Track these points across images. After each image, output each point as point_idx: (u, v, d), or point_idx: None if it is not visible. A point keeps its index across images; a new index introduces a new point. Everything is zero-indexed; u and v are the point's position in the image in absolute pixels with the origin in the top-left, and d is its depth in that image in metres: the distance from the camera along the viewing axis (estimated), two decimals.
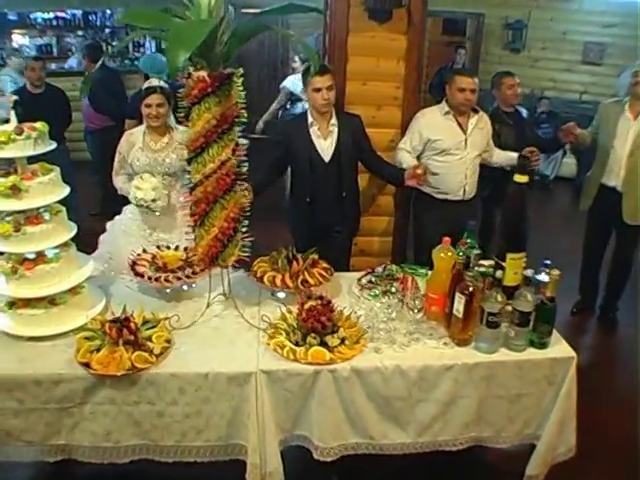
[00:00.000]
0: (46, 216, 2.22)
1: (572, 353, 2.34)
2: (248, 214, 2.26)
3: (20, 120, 2.14)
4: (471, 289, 2.23)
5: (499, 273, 2.28)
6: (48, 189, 2.18)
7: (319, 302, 2.29)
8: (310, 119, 3.14)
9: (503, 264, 2.34)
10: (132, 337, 2.05)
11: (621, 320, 4.23)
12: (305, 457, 2.26)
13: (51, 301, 2.22)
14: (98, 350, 2.06)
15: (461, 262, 2.31)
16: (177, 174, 3.08)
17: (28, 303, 2.22)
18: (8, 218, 2.18)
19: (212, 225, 2.17)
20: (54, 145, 2.24)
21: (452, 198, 3.47)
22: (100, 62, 5.17)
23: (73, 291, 2.28)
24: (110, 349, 2.03)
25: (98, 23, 7.85)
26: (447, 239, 2.41)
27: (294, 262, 2.57)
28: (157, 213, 2.99)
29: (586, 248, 4.19)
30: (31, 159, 2.20)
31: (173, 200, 3.09)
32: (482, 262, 2.41)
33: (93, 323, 2.18)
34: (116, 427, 2.11)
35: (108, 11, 7.77)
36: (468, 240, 2.52)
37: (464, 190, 3.47)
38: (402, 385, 2.21)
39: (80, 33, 7.81)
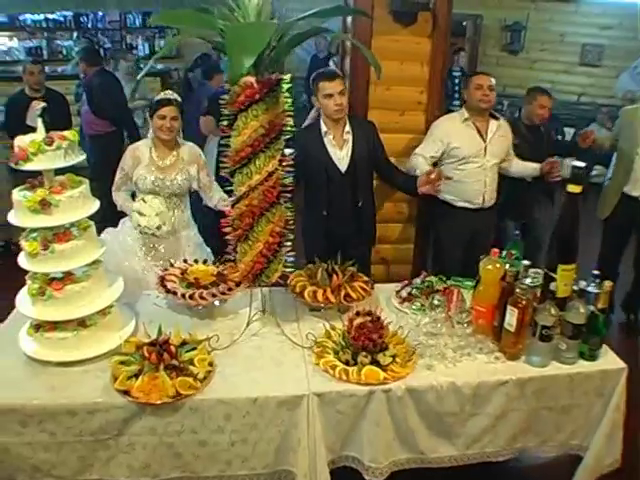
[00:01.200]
0: (75, 232, 2.06)
1: (622, 364, 2.28)
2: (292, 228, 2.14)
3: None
4: (524, 302, 2.14)
5: (553, 285, 2.18)
6: (79, 203, 2.03)
7: (368, 318, 2.18)
8: (324, 128, 3.02)
9: (554, 275, 2.26)
10: (175, 362, 1.92)
11: None
12: (351, 477, 2.15)
13: (81, 323, 2.07)
14: (136, 376, 1.92)
15: (512, 274, 2.22)
16: (183, 194, 2.93)
17: (56, 326, 2.06)
18: (35, 234, 2.03)
19: (257, 240, 2.04)
20: (84, 156, 2.09)
21: (471, 206, 3.39)
22: (99, 66, 5.03)
23: (103, 312, 2.13)
24: (151, 375, 1.89)
25: (90, 25, 7.63)
26: (495, 250, 2.32)
27: (334, 276, 2.46)
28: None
29: (602, 257, 4.07)
30: (58, 170, 2.05)
31: (177, 220, 2.91)
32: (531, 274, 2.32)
33: (127, 346, 2.04)
34: (156, 459, 1.96)
35: (100, 12, 7.56)
36: (513, 251, 2.43)
37: (483, 198, 3.38)
38: (455, 401, 2.12)
39: (72, 35, 7.58)
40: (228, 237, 2.11)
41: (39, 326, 2.09)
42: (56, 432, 1.90)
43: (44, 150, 1.93)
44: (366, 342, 2.08)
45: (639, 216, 3.81)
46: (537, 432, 2.27)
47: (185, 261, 2.59)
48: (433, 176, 2.93)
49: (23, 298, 2.13)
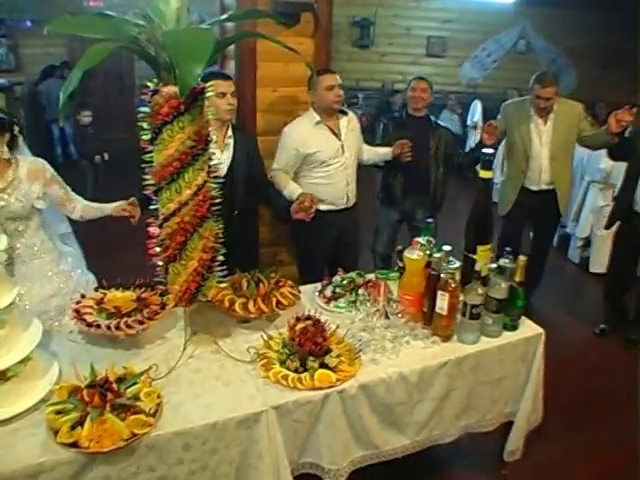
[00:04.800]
0: None
1: (540, 330, 2.48)
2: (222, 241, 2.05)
3: None
4: (453, 286, 2.25)
5: (478, 266, 2.31)
6: None
7: (309, 322, 2.17)
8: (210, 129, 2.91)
9: (473, 257, 2.40)
10: (121, 400, 1.76)
11: None
12: None
13: (1, 376, 1.83)
14: (79, 424, 1.73)
15: (437, 261, 2.32)
16: (26, 217, 2.54)
17: None
18: None
19: (190, 258, 1.93)
20: None
21: (336, 208, 3.40)
22: None
23: (23, 360, 1.89)
24: (98, 419, 1.71)
25: None
26: (416, 240, 2.41)
27: (260, 284, 2.40)
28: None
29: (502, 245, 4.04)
30: None
31: (25, 248, 2.56)
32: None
33: (59, 393, 1.84)
34: None
35: None
36: (429, 238, 2.54)
37: (347, 197, 3.43)
38: (404, 390, 2.18)
39: None
40: (156, 259, 1.98)
41: None
42: None
43: None
44: (312, 347, 2.07)
45: (536, 208, 4.03)
46: (477, 408, 2.41)
47: (96, 289, 2.39)
48: (307, 204, 2.90)
49: None
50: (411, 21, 8.14)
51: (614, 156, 3.98)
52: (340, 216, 3.43)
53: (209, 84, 1.82)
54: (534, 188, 4.02)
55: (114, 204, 2.70)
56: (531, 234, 4.46)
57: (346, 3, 8.19)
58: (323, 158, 3.27)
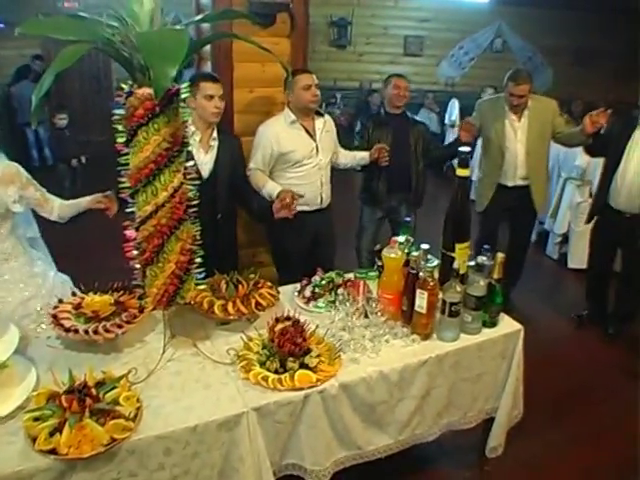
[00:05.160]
0: None
1: (519, 326, 2.51)
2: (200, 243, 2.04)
3: None
4: (432, 284, 2.26)
5: (456, 264, 2.33)
6: None
7: (288, 323, 2.17)
8: (192, 128, 2.87)
9: (452, 254, 2.41)
10: (101, 405, 1.75)
11: None
12: None
13: None
14: (58, 430, 1.71)
15: (415, 260, 2.33)
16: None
17: None
18: None
19: (168, 260, 1.92)
20: None
21: (310, 208, 3.39)
22: None
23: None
24: (77, 425, 1.69)
25: None
26: (394, 239, 2.42)
27: (239, 286, 2.40)
28: None
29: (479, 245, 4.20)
30: None
31: None
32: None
33: (37, 399, 1.81)
34: None
35: None
36: (408, 237, 2.56)
37: (321, 198, 3.44)
38: (385, 389, 2.19)
39: None
40: (133, 262, 1.97)
41: None
42: None
43: None
44: (292, 347, 2.07)
45: (513, 204, 4.08)
46: (458, 405, 2.43)
47: (74, 294, 2.36)
48: (288, 200, 2.91)
49: None
50: (388, 20, 8.17)
51: (591, 152, 4.05)
52: (315, 217, 3.44)
53: (184, 85, 1.80)
54: (510, 184, 4.06)
55: (90, 197, 2.67)
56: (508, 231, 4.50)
57: (323, 3, 8.20)
58: (297, 158, 3.27)
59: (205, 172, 2.94)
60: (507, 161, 4.01)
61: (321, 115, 3.40)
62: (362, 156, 3.73)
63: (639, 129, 3.59)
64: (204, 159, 2.95)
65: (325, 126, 3.39)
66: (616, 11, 8.80)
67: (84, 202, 2.68)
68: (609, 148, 3.75)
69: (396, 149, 3.78)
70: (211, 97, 2.84)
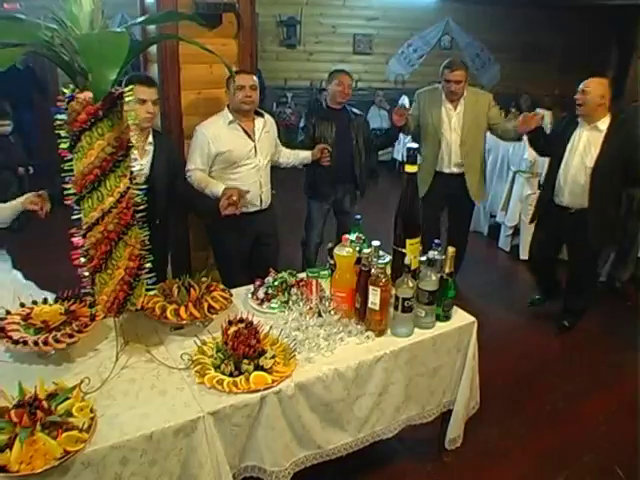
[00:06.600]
0: None
1: (472, 319, 2.57)
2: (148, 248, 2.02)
3: None
4: (384, 281, 2.29)
5: (407, 259, 2.36)
6: None
7: (242, 325, 2.16)
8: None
9: (403, 251, 2.45)
10: (52, 417, 1.71)
11: None
12: None
13: None
14: (8, 446, 1.66)
15: (367, 257, 2.35)
16: None
17: None
18: None
19: (117, 267, 1.89)
20: None
21: (250, 210, 3.37)
22: None
23: None
24: (28, 440, 1.65)
25: None
26: (345, 237, 2.44)
27: (191, 289, 2.38)
28: None
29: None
30: None
31: None
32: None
33: None
34: None
35: None
36: (359, 234, 2.58)
37: (261, 199, 3.43)
38: (342, 387, 2.20)
39: None
40: (82, 270, 1.93)
41: None
42: None
43: None
44: (246, 349, 2.06)
45: (450, 191, 4.23)
46: (416, 400, 2.46)
47: (22, 305, 2.30)
48: (235, 198, 2.90)
49: None
50: (337, 19, 8.22)
51: (539, 151, 4.19)
52: (256, 218, 3.42)
53: (127, 89, 1.77)
54: (446, 171, 4.23)
55: (22, 197, 2.60)
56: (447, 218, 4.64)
57: (271, 2, 8.16)
58: (234, 158, 3.25)
59: (141, 177, 2.89)
60: (443, 148, 4.18)
61: (261, 115, 3.38)
62: (305, 155, 3.81)
63: (580, 128, 3.72)
64: (139, 164, 2.89)
65: (265, 126, 3.38)
66: (561, 7, 9.08)
67: (18, 203, 2.61)
68: (553, 147, 3.89)
69: (339, 142, 3.96)
70: (143, 101, 2.76)
